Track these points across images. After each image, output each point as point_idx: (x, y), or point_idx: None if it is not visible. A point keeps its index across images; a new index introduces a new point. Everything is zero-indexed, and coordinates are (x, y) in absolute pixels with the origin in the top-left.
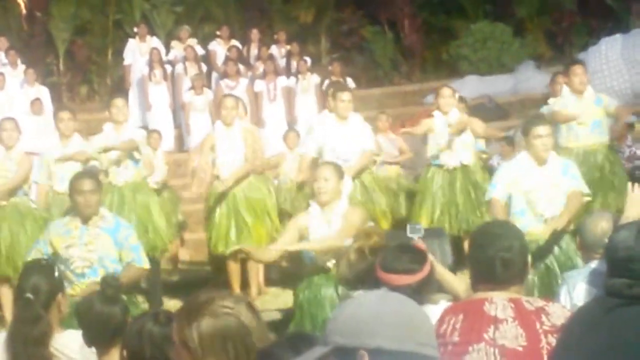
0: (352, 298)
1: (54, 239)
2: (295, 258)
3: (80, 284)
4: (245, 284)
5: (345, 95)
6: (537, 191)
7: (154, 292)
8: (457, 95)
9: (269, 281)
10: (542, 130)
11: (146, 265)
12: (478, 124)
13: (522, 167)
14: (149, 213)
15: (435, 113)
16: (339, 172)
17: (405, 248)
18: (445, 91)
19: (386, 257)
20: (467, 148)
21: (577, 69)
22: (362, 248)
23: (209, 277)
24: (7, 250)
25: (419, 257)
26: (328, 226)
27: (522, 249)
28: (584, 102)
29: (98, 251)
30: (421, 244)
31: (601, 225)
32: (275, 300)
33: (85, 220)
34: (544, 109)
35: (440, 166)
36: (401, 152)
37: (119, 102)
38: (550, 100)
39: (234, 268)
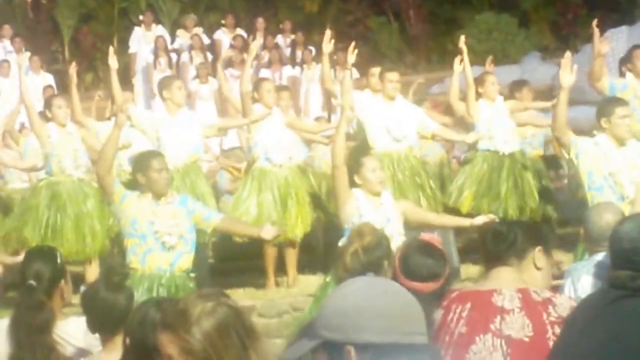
0: (337, 289)
1: (129, 204)
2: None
3: (167, 255)
4: (279, 271)
5: (394, 75)
6: (621, 172)
7: (202, 275)
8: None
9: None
10: (625, 110)
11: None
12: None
13: (603, 149)
14: (201, 195)
15: (481, 101)
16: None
17: (425, 250)
18: (491, 77)
19: (408, 262)
20: (515, 135)
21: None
22: (357, 250)
23: (213, 266)
24: (74, 232)
25: (441, 260)
26: (386, 220)
27: (527, 232)
28: None
29: (180, 225)
30: (437, 239)
31: (606, 218)
32: (307, 287)
33: (158, 197)
34: (621, 86)
35: (488, 151)
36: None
37: (177, 84)
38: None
39: (271, 253)
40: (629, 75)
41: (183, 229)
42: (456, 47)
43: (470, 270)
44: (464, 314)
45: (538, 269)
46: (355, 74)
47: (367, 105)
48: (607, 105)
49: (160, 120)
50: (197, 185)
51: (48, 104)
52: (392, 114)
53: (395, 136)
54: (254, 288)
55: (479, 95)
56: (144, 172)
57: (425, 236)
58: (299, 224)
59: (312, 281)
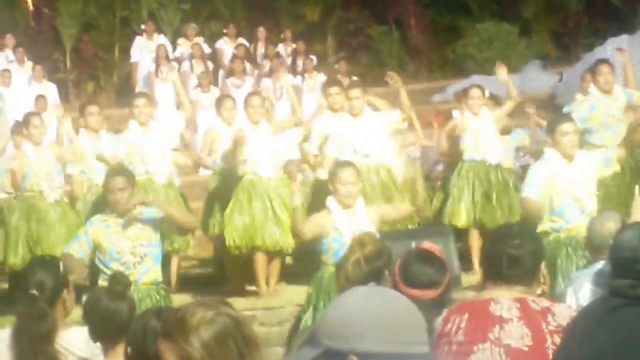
0: (339, 297)
1: (95, 233)
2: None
3: (130, 275)
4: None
5: (355, 93)
6: (576, 187)
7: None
8: (487, 94)
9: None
10: (568, 127)
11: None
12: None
13: (554, 166)
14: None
15: (466, 114)
16: (359, 174)
17: (425, 258)
18: (475, 92)
19: (408, 269)
20: (500, 148)
21: (603, 68)
22: (359, 260)
23: (213, 274)
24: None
25: (441, 268)
26: (358, 230)
27: (535, 251)
28: (617, 101)
29: (145, 245)
30: (436, 248)
31: (608, 226)
32: (280, 298)
33: (122, 215)
34: (568, 109)
35: (475, 162)
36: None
37: (139, 101)
38: (579, 97)
39: (261, 261)
40: (593, 90)
41: (148, 248)
42: (457, 57)
43: (472, 278)
44: (463, 325)
45: (540, 283)
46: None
47: (330, 125)
48: (553, 122)
49: (132, 138)
50: (178, 199)
51: (25, 122)
52: (358, 130)
53: (361, 153)
54: (255, 297)
55: (465, 107)
56: (105, 193)
57: (426, 245)
58: (292, 235)
59: (284, 291)
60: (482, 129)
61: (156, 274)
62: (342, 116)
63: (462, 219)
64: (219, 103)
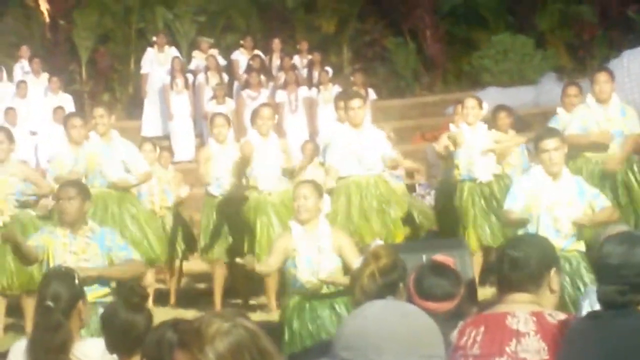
0: (357, 310)
1: (45, 241)
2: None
3: None
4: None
5: (356, 102)
6: (557, 206)
7: None
8: (484, 106)
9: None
10: (549, 144)
11: (139, 258)
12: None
13: (538, 181)
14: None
15: (461, 125)
16: (319, 190)
17: (439, 270)
18: (469, 102)
19: (422, 282)
20: (493, 164)
21: (600, 77)
22: (373, 272)
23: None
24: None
25: (455, 280)
26: (317, 250)
27: (539, 255)
28: (608, 110)
29: (90, 260)
30: (450, 260)
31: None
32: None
33: (72, 228)
34: (553, 122)
35: (472, 180)
36: (412, 171)
37: (98, 111)
38: (559, 110)
39: (270, 279)
40: (589, 99)
41: (95, 265)
42: (472, 68)
43: (487, 291)
44: (478, 338)
45: (553, 291)
46: (373, 94)
47: (335, 134)
48: (536, 137)
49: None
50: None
51: None
52: (361, 142)
53: (365, 165)
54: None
55: (461, 117)
56: (55, 202)
57: (439, 257)
58: None
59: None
60: (476, 145)
61: (101, 292)
62: (343, 126)
63: (475, 246)
64: (210, 122)
